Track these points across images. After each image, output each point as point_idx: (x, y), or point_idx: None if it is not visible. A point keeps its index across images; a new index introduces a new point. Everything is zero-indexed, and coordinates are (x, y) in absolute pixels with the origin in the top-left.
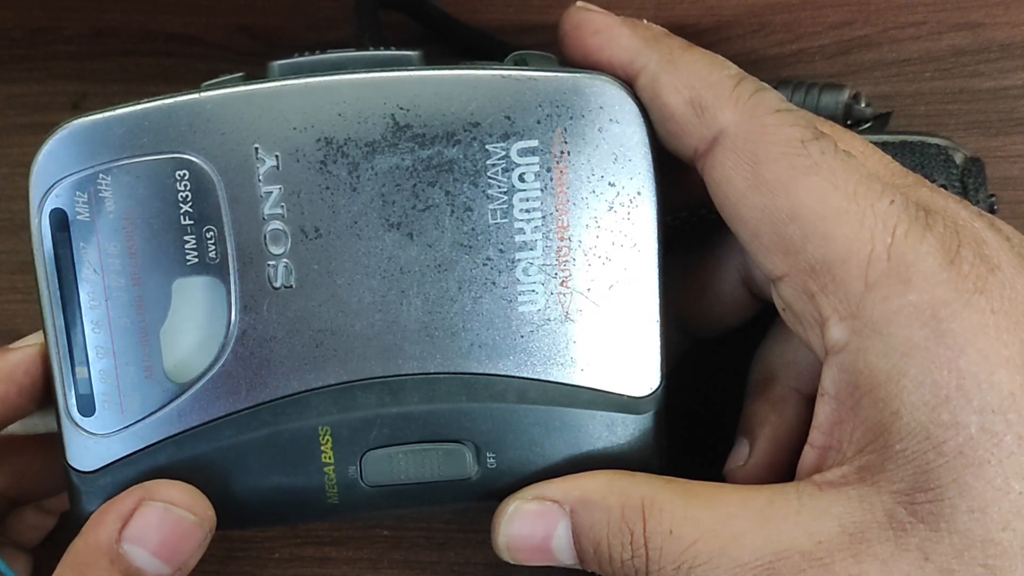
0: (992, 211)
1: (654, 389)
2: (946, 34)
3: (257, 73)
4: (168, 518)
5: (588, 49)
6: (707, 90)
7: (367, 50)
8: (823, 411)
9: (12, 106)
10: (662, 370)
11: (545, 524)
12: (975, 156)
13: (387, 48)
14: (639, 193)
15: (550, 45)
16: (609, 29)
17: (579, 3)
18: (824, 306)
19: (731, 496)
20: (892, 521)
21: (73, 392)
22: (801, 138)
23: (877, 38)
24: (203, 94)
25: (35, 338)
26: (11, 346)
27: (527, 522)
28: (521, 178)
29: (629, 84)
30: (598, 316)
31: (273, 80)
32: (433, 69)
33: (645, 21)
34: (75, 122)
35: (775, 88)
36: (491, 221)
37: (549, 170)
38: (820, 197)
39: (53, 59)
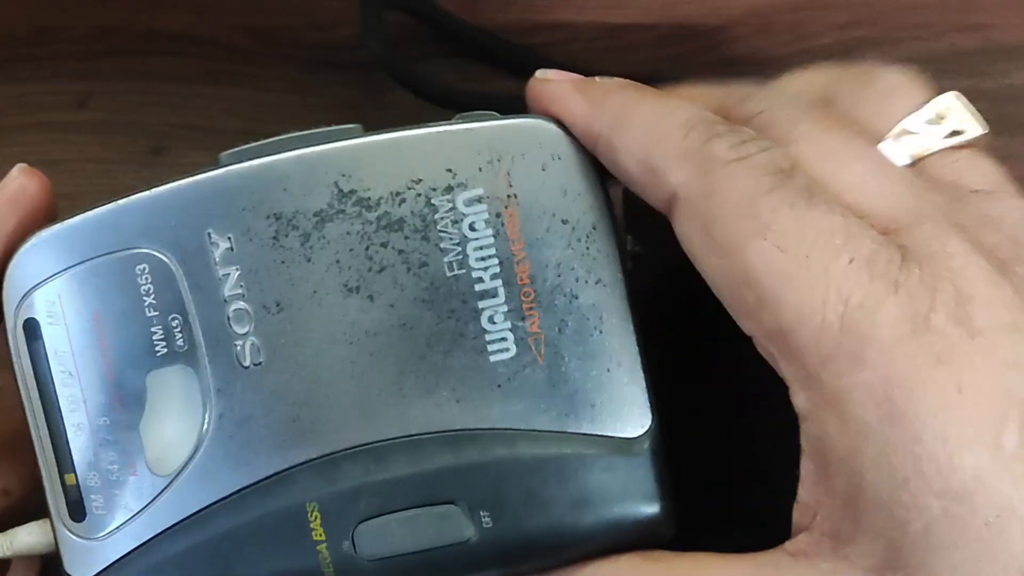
0: None
1: (647, 428)
2: (950, 35)
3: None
4: None
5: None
6: (656, 149)
7: (314, 128)
8: (805, 468)
9: (17, 105)
10: (653, 407)
11: None
12: None
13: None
14: (595, 227)
15: (554, 45)
16: (562, 99)
17: (537, 73)
18: (785, 372)
19: (715, 568)
20: None
21: (63, 499)
22: (751, 194)
23: (881, 39)
24: (153, 190)
25: None
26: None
27: None
28: (471, 227)
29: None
30: (574, 357)
31: (218, 168)
32: (372, 135)
33: (598, 79)
34: (38, 234)
35: None
36: (448, 274)
37: (499, 215)
38: (769, 261)
39: (58, 58)
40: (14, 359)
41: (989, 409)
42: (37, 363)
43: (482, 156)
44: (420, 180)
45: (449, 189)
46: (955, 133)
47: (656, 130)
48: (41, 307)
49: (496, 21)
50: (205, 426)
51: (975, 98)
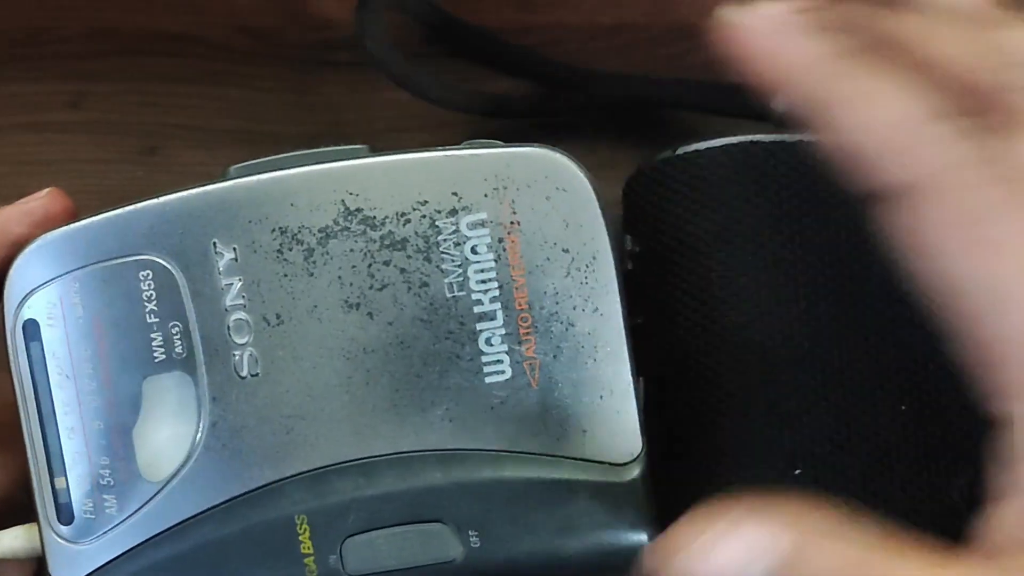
0: None
1: (636, 455)
2: None
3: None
4: None
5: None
6: (898, 134)
7: (317, 149)
8: (1007, 478)
9: (11, 105)
10: (643, 434)
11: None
12: None
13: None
14: (594, 258)
15: (551, 45)
16: (789, 50)
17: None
18: (996, 380)
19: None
20: None
21: (53, 502)
22: (991, 204)
23: None
24: (161, 198)
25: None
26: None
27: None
28: (474, 250)
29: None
30: (567, 382)
31: (227, 179)
32: (380, 155)
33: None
34: (43, 236)
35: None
36: (448, 295)
37: (501, 240)
38: (1000, 273)
39: (52, 58)
40: (12, 359)
41: None
42: (34, 364)
43: (488, 182)
44: (426, 202)
45: (454, 212)
46: None
47: (898, 112)
48: (41, 308)
49: (492, 21)
50: (199, 434)
51: None
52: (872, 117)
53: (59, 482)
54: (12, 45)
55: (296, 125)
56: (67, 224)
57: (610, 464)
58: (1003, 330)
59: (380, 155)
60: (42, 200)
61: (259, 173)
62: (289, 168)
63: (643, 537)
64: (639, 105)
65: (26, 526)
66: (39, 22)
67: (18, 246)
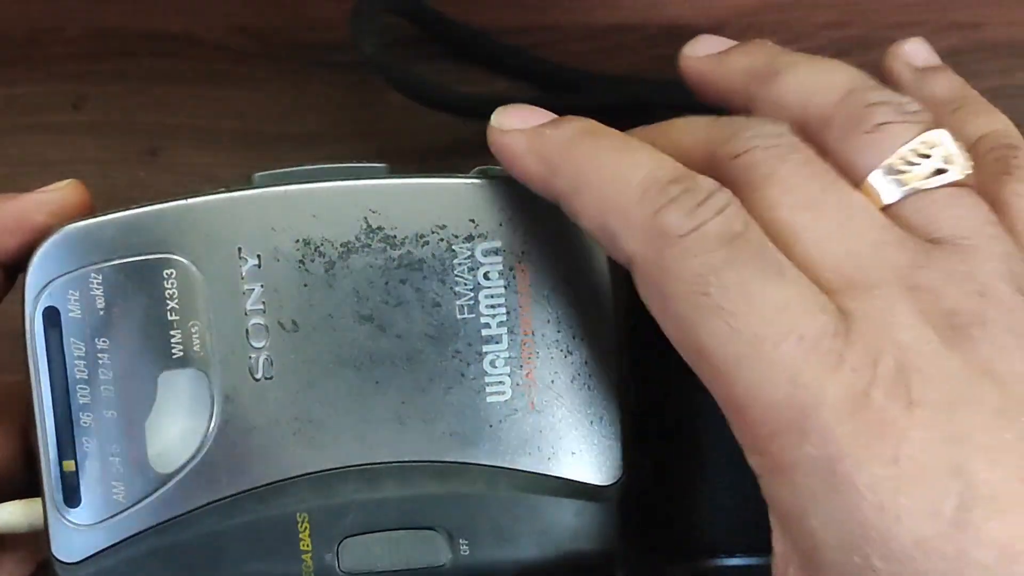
0: None
1: (616, 479)
2: (943, 34)
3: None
4: None
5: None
6: (611, 216)
7: (340, 164)
8: (772, 521)
9: (12, 106)
10: (625, 461)
11: None
12: None
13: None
14: (596, 292)
15: (546, 45)
16: (518, 159)
17: (492, 119)
18: (738, 435)
19: None
20: None
21: (60, 484)
22: (703, 272)
23: (870, 38)
24: (189, 200)
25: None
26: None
27: None
28: (486, 276)
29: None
30: (562, 407)
31: (254, 187)
32: (401, 177)
33: (551, 128)
34: (70, 226)
35: None
36: (458, 316)
37: (511, 269)
38: (721, 342)
39: (53, 60)
40: (28, 342)
41: (926, 480)
42: (51, 349)
43: (504, 213)
44: (444, 226)
45: (470, 238)
46: (939, 172)
47: (610, 194)
48: (63, 296)
49: (488, 22)
50: (210, 430)
51: None
52: (585, 199)
53: (68, 465)
54: (14, 46)
55: (295, 125)
56: (84, 217)
57: (595, 486)
58: (728, 395)
59: (401, 177)
60: (62, 191)
61: (283, 183)
62: (313, 181)
63: (614, 552)
64: (635, 107)
65: (23, 501)
66: (40, 23)
67: (37, 233)
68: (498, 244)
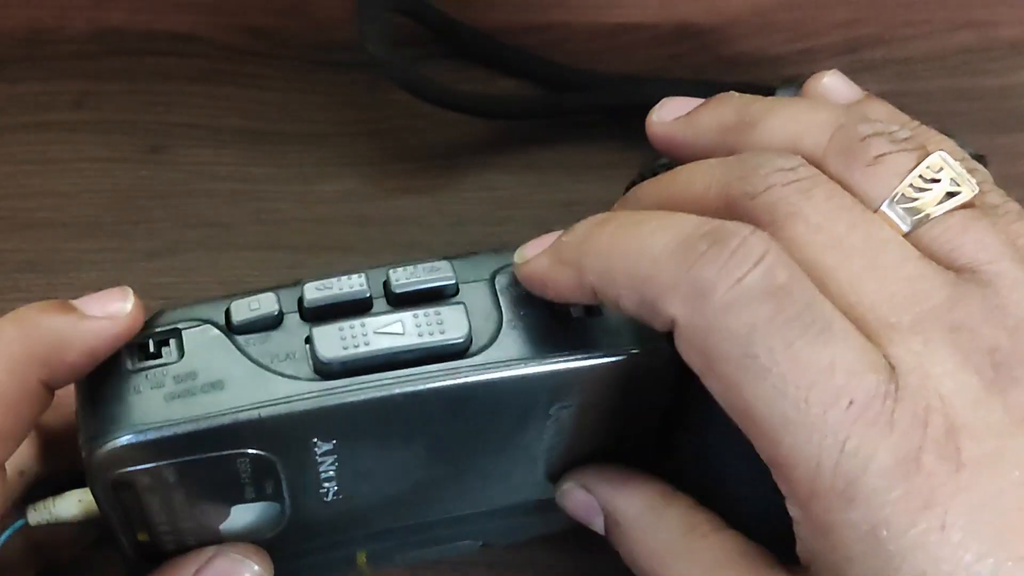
0: None
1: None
2: (952, 32)
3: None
4: (237, 568)
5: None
6: (647, 289)
7: (422, 344)
8: (802, 557)
9: (15, 105)
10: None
11: (587, 512)
12: (979, 153)
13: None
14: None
15: (551, 45)
16: (549, 282)
17: (515, 257)
18: (781, 486)
19: None
20: None
21: (133, 552)
22: (747, 332)
23: (883, 36)
24: (260, 411)
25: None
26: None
27: (575, 505)
28: (555, 421)
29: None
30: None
31: (328, 384)
32: (484, 371)
33: (566, 235)
34: (137, 433)
35: (780, 88)
36: (520, 444)
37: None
38: (767, 404)
39: (56, 58)
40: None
41: (966, 544)
42: (126, 508)
43: (580, 383)
44: (525, 405)
45: (549, 403)
46: (950, 195)
47: (640, 266)
48: (132, 479)
49: (493, 22)
50: (281, 519)
51: (977, 96)
52: (619, 284)
53: (141, 535)
54: (17, 45)
55: (299, 124)
56: (148, 426)
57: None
58: (773, 455)
59: (484, 371)
60: (131, 319)
61: (351, 367)
62: (388, 370)
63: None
64: (640, 107)
65: (82, 490)
66: (44, 22)
67: (94, 359)
68: (571, 402)
